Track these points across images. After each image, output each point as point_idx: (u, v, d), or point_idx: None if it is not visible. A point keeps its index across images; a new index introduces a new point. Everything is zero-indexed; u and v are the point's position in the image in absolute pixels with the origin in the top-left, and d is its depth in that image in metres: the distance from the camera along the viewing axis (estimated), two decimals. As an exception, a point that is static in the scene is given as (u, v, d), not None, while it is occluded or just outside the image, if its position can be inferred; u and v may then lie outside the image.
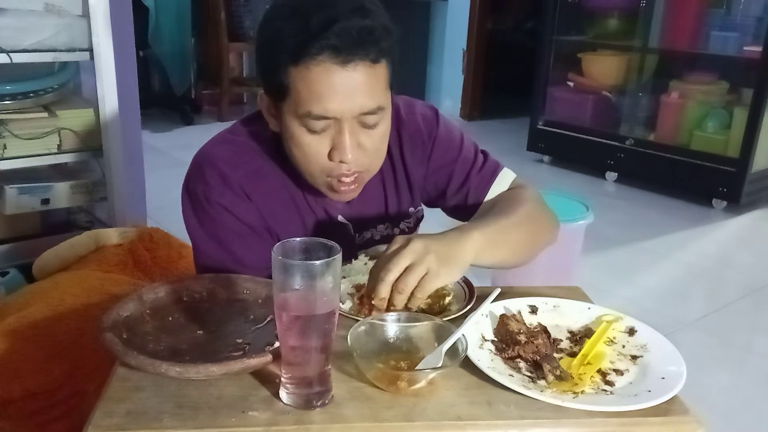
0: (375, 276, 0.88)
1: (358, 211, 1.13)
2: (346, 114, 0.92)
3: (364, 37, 0.90)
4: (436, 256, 0.87)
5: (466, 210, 1.14)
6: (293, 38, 0.90)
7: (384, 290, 0.86)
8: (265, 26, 0.96)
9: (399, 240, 0.90)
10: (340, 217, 1.12)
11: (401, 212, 1.17)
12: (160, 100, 4.78)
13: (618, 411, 0.75)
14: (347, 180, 0.99)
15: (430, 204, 1.20)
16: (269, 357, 0.77)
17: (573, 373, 0.83)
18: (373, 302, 0.88)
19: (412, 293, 0.87)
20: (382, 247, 1.16)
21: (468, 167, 1.14)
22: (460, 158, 1.14)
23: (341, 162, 0.95)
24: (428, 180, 1.15)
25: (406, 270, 0.86)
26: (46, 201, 2.02)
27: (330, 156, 0.96)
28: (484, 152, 1.18)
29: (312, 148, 0.96)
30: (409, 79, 4.95)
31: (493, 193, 1.13)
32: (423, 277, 0.86)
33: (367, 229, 1.15)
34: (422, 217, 1.22)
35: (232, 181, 1.02)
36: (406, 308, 0.89)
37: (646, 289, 2.55)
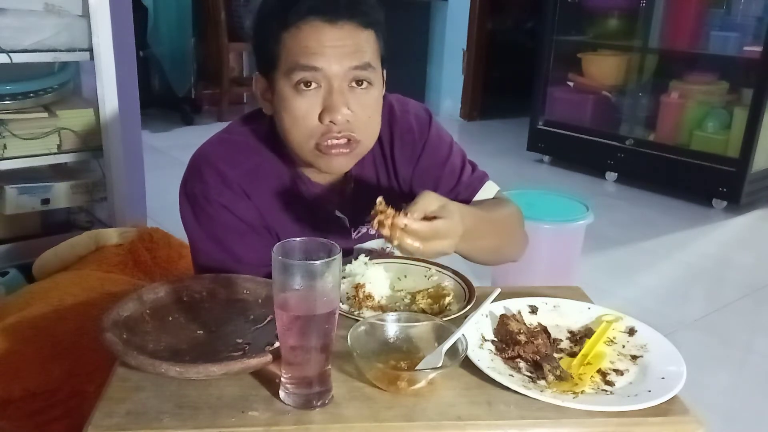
0: (408, 227, 0.85)
1: (353, 206, 1.13)
2: (334, 70, 0.94)
3: (351, 3, 0.94)
4: (457, 235, 0.89)
5: None
6: (282, 5, 0.94)
7: (408, 246, 0.85)
8: (258, 9, 1.01)
9: (437, 199, 0.88)
10: (336, 212, 1.12)
11: (395, 207, 1.17)
12: (160, 100, 4.78)
13: (618, 411, 0.75)
14: (337, 141, 0.98)
15: None
16: (269, 357, 0.77)
17: (573, 373, 0.83)
18: (386, 233, 0.86)
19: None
20: (377, 242, 1.17)
21: (457, 173, 1.16)
22: (448, 163, 1.15)
23: (331, 122, 0.96)
24: (415, 180, 1.16)
25: (432, 240, 0.86)
26: (46, 201, 2.02)
27: (320, 118, 0.96)
28: (471, 162, 1.20)
29: (301, 110, 0.96)
30: (409, 79, 4.95)
31: (479, 198, 1.16)
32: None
33: (363, 222, 1.16)
34: None
35: (230, 180, 1.02)
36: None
37: (646, 289, 2.54)
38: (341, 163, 1.02)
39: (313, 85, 0.95)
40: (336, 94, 0.95)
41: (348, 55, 0.94)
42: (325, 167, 1.02)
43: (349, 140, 0.99)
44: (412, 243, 0.86)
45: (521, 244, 1.19)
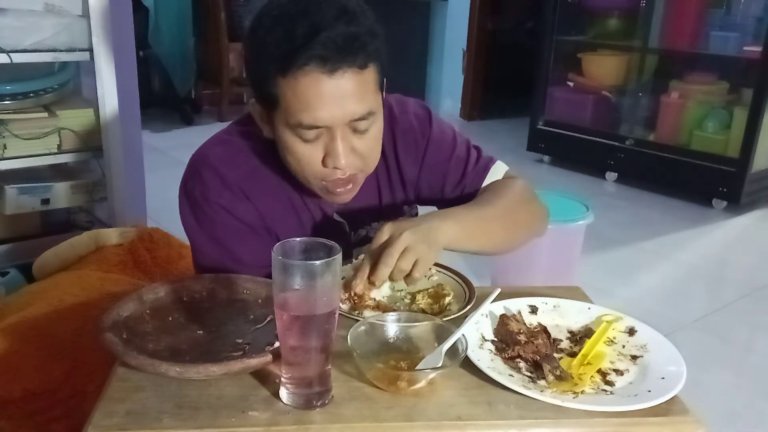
0: (373, 259, 0.91)
1: (353, 209, 1.13)
2: (336, 121, 0.93)
3: (350, 44, 0.89)
4: (423, 243, 0.90)
5: (462, 203, 1.14)
6: (279, 49, 0.90)
7: (386, 272, 0.89)
8: (250, 36, 0.96)
9: (388, 229, 0.91)
10: (335, 216, 1.12)
11: (395, 210, 1.18)
12: (160, 100, 4.78)
13: (618, 411, 0.75)
14: (342, 186, 1.00)
15: (425, 202, 1.21)
16: (269, 357, 0.77)
17: (573, 373, 0.83)
18: (374, 284, 0.91)
19: (409, 274, 0.90)
20: None
21: (463, 165, 1.15)
22: (453, 156, 1.15)
23: (335, 168, 0.96)
24: (422, 179, 1.16)
25: (401, 255, 0.89)
26: (46, 201, 2.02)
27: (324, 162, 0.96)
28: (476, 147, 1.19)
29: (306, 156, 0.96)
30: (409, 79, 4.95)
31: (485, 184, 1.15)
32: (415, 262, 0.89)
33: (362, 226, 1.16)
34: (416, 214, 1.23)
35: (230, 181, 1.02)
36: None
37: (646, 289, 2.55)
38: (346, 198, 1.04)
39: (315, 134, 0.94)
40: (338, 140, 0.94)
41: (349, 105, 0.92)
42: (331, 200, 1.05)
43: (353, 176, 1.00)
44: (397, 273, 0.89)
45: (538, 218, 1.16)
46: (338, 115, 0.92)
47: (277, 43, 0.90)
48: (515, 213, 1.09)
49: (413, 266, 0.89)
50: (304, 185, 1.06)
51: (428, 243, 0.91)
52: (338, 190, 1.00)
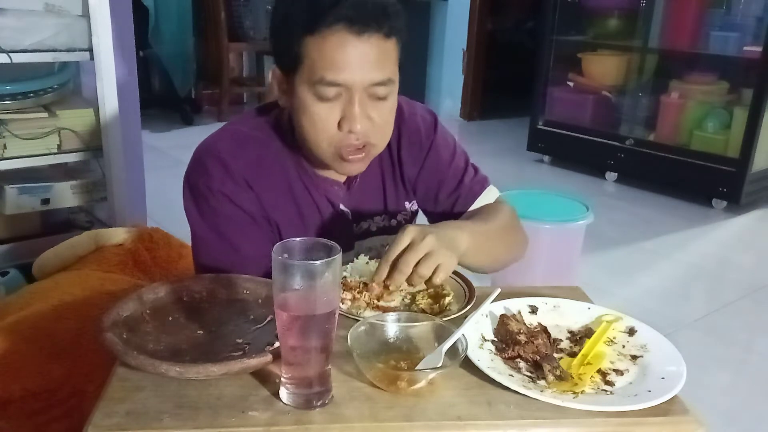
0: (389, 263, 0.91)
1: (357, 201, 1.14)
2: (357, 83, 0.94)
3: (378, 11, 0.93)
4: (445, 249, 0.91)
5: (451, 217, 1.17)
6: (309, 9, 0.93)
7: (401, 279, 0.91)
8: (280, 2, 1.00)
9: (411, 232, 0.92)
10: (341, 206, 1.12)
11: (398, 205, 1.19)
12: (160, 100, 4.78)
13: (618, 411, 0.75)
14: (355, 153, 1.00)
15: (418, 205, 1.22)
16: (269, 357, 0.77)
17: (573, 373, 0.83)
18: (390, 287, 0.93)
19: (429, 279, 0.91)
20: (378, 239, 1.17)
21: (460, 175, 1.17)
22: (452, 165, 1.17)
23: (350, 132, 0.97)
24: (419, 181, 1.18)
25: (422, 260, 0.90)
26: (46, 201, 2.02)
27: (339, 126, 0.97)
28: (474, 166, 1.21)
29: (321, 117, 0.97)
30: (409, 79, 4.93)
31: (478, 204, 1.17)
32: (437, 267, 0.91)
33: (365, 219, 1.17)
34: (417, 211, 1.24)
35: (233, 171, 1.03)
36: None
37: (646, 289, 2.55)
38: (357, 168, 1.04)
39: (335, 94, 0.96)
40: (356, 105, 0.96)
41: (371, 70, 0.95)
42: (342, 170, 1.05)
43: (364, 145, 1.00)
44: (416, 278, 0.91)
45: (522, 243, 1.21)
46: (359, 77, 0.94)
47: (306, 4, 0.94)
48: (508, 235, 1.14)
49: (434, 271, 0.90)
50: (309, 174, 1.07)
51: (450, 249, 0.92)
52: (351, 157, 1.00)
